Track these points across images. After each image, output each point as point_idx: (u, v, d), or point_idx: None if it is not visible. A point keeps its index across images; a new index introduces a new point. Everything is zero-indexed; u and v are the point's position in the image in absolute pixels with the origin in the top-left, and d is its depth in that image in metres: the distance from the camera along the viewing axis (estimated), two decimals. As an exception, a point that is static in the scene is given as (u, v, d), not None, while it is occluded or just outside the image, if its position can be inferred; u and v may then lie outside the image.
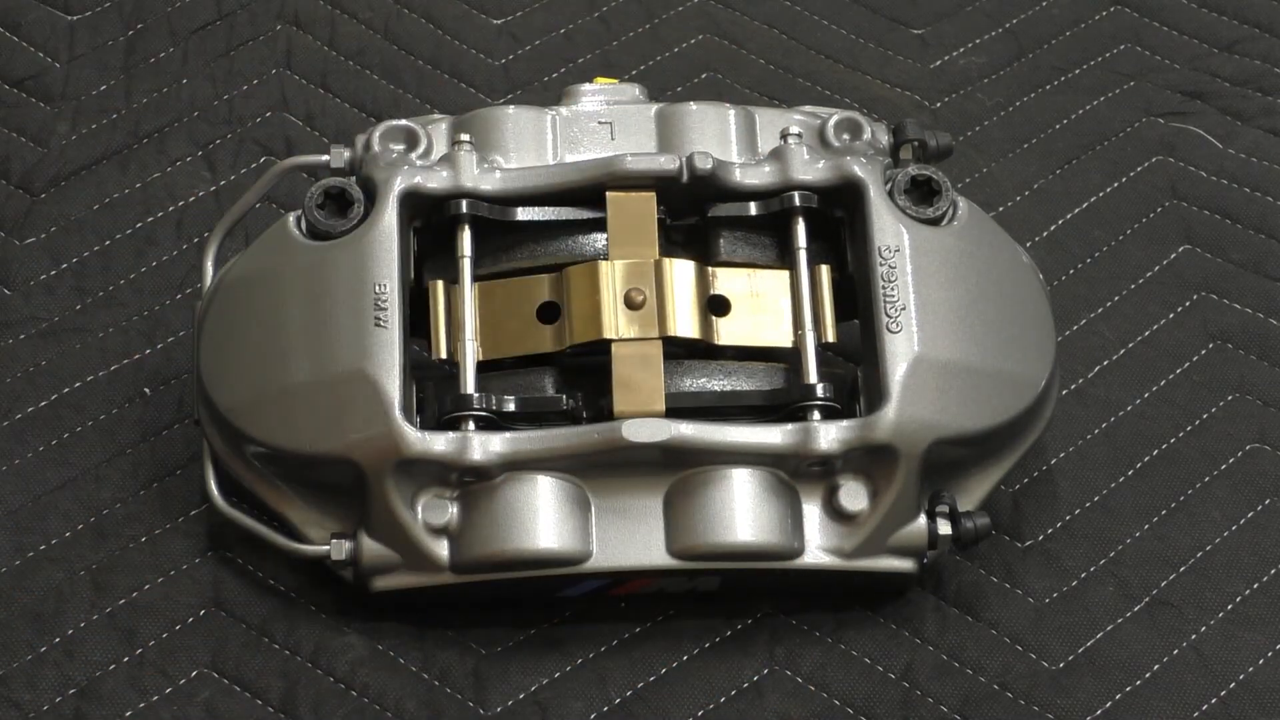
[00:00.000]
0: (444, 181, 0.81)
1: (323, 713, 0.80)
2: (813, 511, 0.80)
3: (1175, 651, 0.82)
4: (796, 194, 0.82)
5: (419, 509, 0.78)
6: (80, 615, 0.82)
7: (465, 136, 0.83)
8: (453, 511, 0.79)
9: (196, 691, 0.80)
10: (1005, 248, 0.84)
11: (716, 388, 0.81)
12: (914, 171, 0.83)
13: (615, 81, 0.89)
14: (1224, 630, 0.83)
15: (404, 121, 0.84)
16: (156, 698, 0.80)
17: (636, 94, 0.87)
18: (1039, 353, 0.82)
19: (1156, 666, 0.82)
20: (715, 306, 0.82)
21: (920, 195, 0.83)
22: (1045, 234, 0.95)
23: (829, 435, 0.78)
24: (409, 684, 0.81)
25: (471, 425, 0.78)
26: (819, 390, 0.79)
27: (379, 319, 0.78)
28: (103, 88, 0.99)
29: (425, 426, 0.78)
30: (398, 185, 0.81)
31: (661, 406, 0.78)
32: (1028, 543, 0.85)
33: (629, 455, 0.78)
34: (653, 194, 0.82)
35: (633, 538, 0.79)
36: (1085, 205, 0.96)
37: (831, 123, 0.85)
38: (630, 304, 0.80)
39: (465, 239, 0.81)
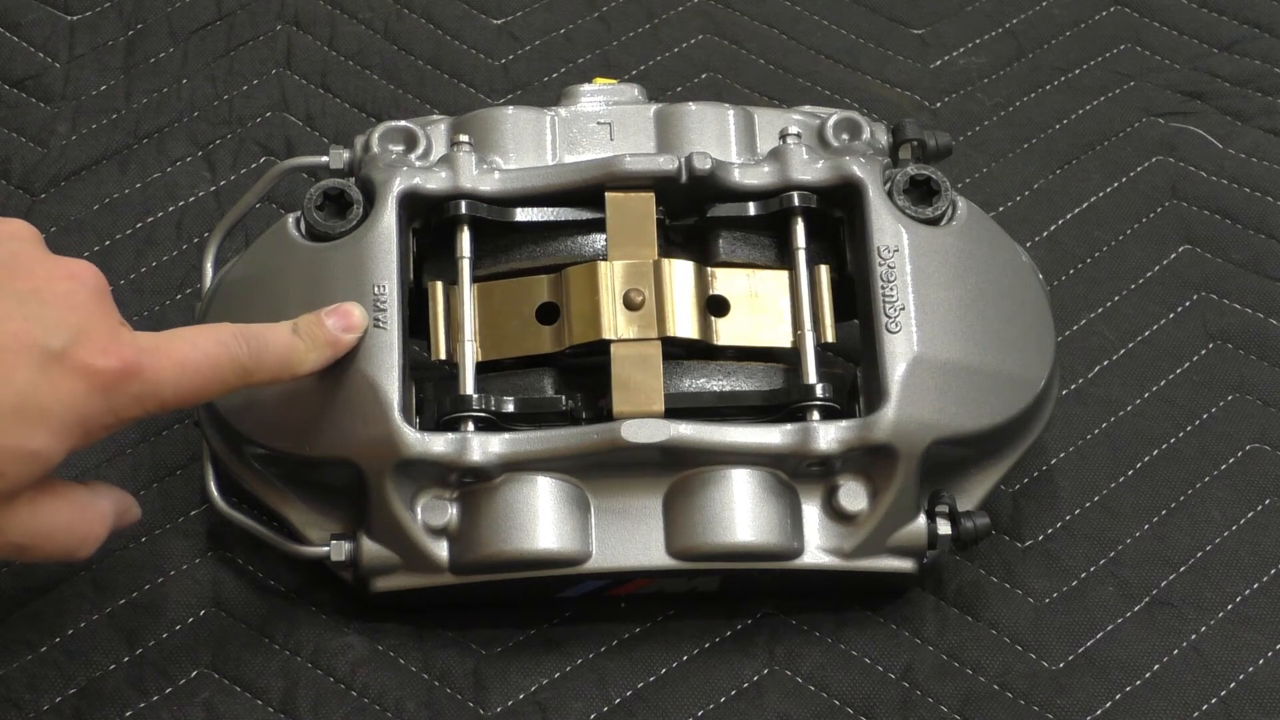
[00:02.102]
0: (443, 182, 0.81)
1: (323, 713, 0.80)
2: (812, 511, 0.80)
3: (1175, 651, 0.82)
4: (795, 194, 0.82)
5: (418, 510, 0.78)
6: (80, 615, 0.82)
7: (464, 137, 0.83)
8: (452, 512, 0.79)
9: (196, 691, 0.80)
10: (1005, 248, 0.84)
11: (716, 388, 0.81)
12: (913, 171, 0.83)
13: (615, 82, 0.89)
14: (1224, 630, 0.83)
15: (403, 122, 0.84)
16: (156, 698, 0.80)
17: (636, 94, 0.87)
18: (1039, 353, 0.82)
19: (1156, 666, 0.82)
20: (714, 307, 0.82)
21: (919, 195, 0.83)
22: (1045, 234, 0.95)
23: (828, 435, 0.78)
24: (409, 684, 0.81)
25: (471, 426, 0.78)
26: (818, 390, 0.79)
27: (378, 320, 0.78)
28: (103, 88, 0.99)
29: (425, 427, 0.78)
30: (397, 186, 0.81)
31: (661, 407, 0.78)
32: (1028, 543, 0.85)
33: (628, 456, 0.78)
34: (652, 194, 0.82)
35: (632, 538, 0.79)
36: (1085, 205, 0.96)
37: (830, 123, 0.85)
38: (629, 304, 0.80)
39: (464, 240, 0.81)
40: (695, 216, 0.83)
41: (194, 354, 0.71)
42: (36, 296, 0.69)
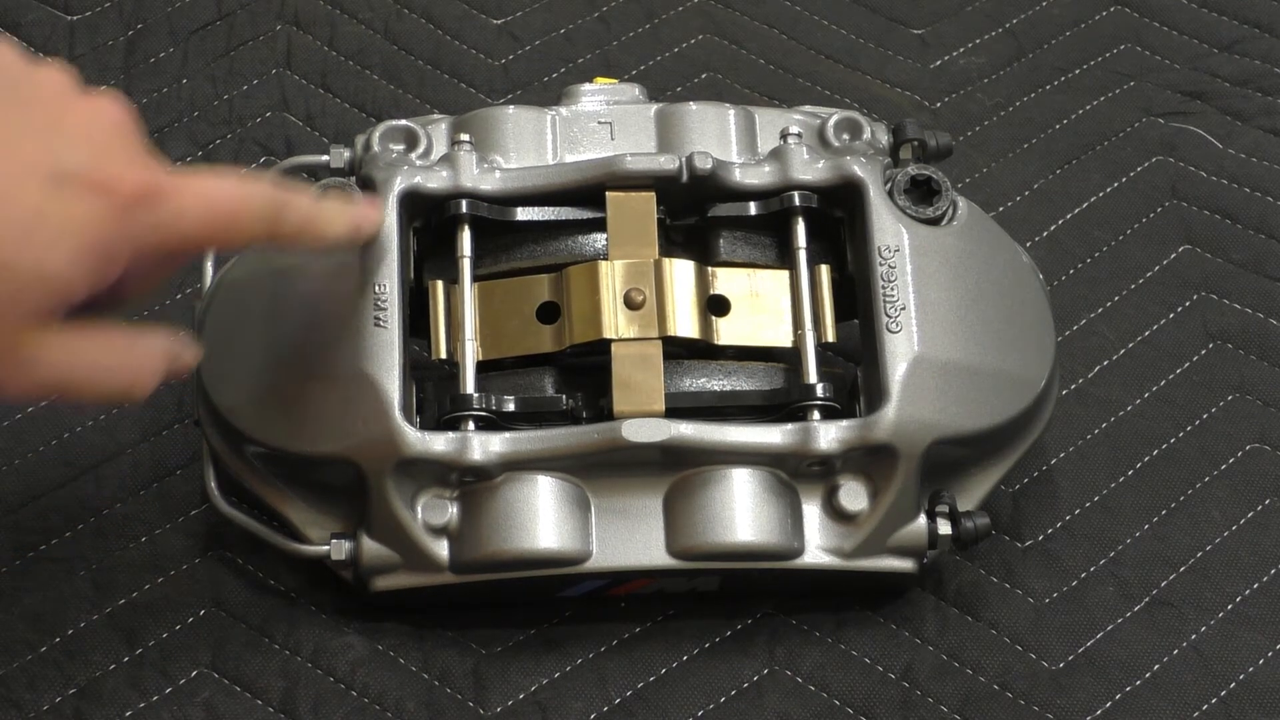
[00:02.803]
0: (444, 182, 0.81)
1: (323, 713, 0.80)
2: (813, 511, 0.80)
3: (1175, 651, 0.82)
4: (796, 194, 0.82)
5: (419, 509, 0.78)
6: (80, 615, 0.82)
7: (465, 136, 0.83)
8: (453, 511, 0.79)
9: (196, 691, 0.80)
10: (1005, 248, 0.84)
11: (716, 388, 0.80)
12: (914, 171, 0.83)
13: (615, 81, 0.89)
14: (1224, 630, 0.83)
15: (404, 121, 0.84)
16: (156, 698, 0.80)
17: (636, 94, 0.87)
18: (1039, 353, 0.82)
19: (1156, 666, 0.82)
20: (715, 306, 0.82)
21: (920, 195, 0.83)
22: (1045, 234, 0.95)
23: (829, 435, 0.78)
24: (409, 684, 0.81)
25: (471, 425, 0.78)
26: (819, 390, 0.79)
27: (379, 319, 0.78)
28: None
29: (425, 427, 0.78)
30: (397, 186, 0.81)
31: (661, 406, 0.78)
32: (1028, 543, 0.85)
33: (629, 455, 0.78)
34: (652, 194, 0.82)
35: (633, 538, 0.79)
36: (1085, 205, 0.96)
37: (831, 123, 0.85)
38: (630, 304, 0.80)
39: (465, 239, 0.81)
40: (696, 216, 0.83)
41: (220, 191, 0.69)
42: (57, 124, 0.66)
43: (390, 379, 0.77)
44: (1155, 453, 0.88)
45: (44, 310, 0.65)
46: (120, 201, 0.65)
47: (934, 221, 0.82)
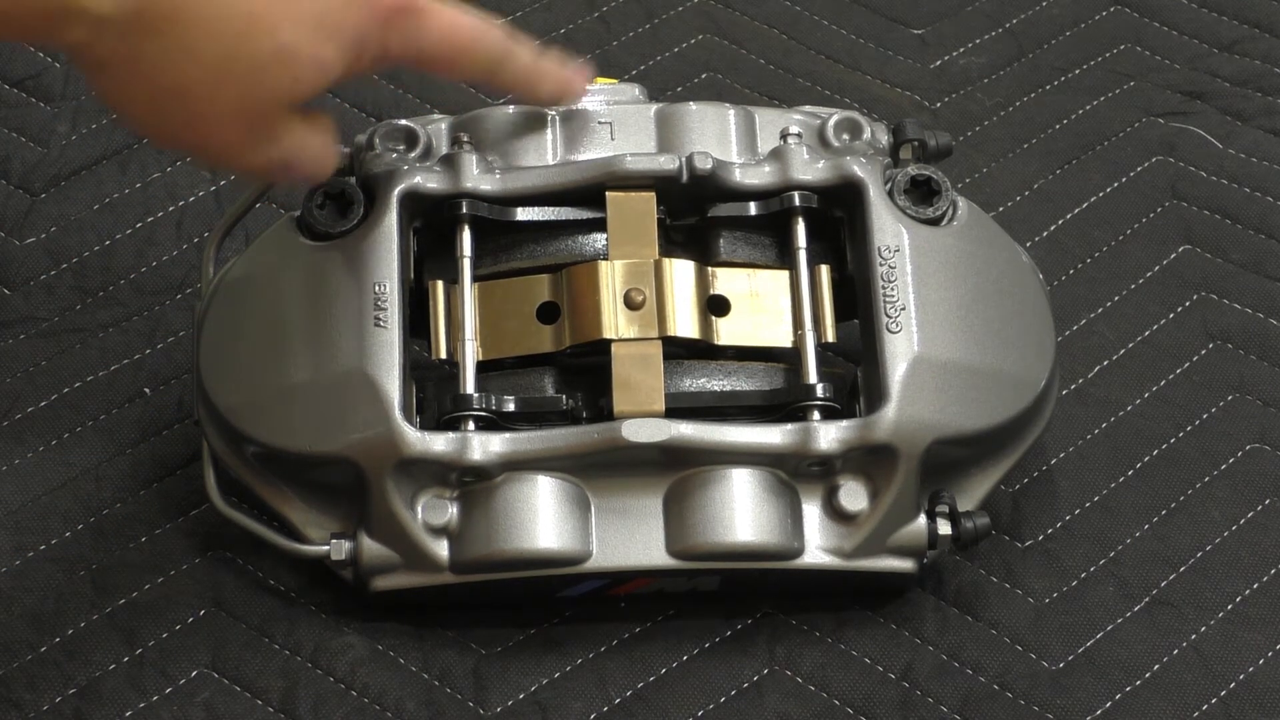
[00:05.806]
0: (444, 182, 0.81)
1: (323, 713, 0.80)
2: (813, 511, 0.80)
3: (1175, 651, 0.82)
4: (796, 194, 0.82)
5: (419, 509, 0.78)
6: (80, 615, 0.82)
7: (465, 136, 0.83)
8: (452, 511, 0.79)
9: (196, 691, 0.80)
10: (1005, 248, 0.84)
11: (716, 388, 0.81)
12: (914, 171, 0.83)
13: (615, 81, 0.89)
14: (1224, 630, 0.83)
15: (404, 121, 0.84)
16: (156, 698, 0.80)
17: (636, 94, 0.87)
18: (1039, 353, 0.82)
19: (1156, 666, 0.82)
20: (715, 306, 0.82)
21: (920, 195, 0.83)
22: (1045, 234, 0.95)
23: (829, 435, 0.78)
24: (409, 684, 0.81)
25: (471, 425, 0.78)
26: (819, 390, 0.79)
27: (379, 319, 0.78)
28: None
29: (425, 427, 0.78)
30: (398, 186, 0.81)
31: (661, 406, 0.78)
32: (1028, 543, 0.85)
33: (629, 455, 0.78)
34: (652, 194, 0.82)
35: (632, 538, 0.79)
36: (1085, 205, 0.96)
37: (831, 123, 0.85)
38: (630, 304, 0.80)
39: (465, 239, 0.81)
40: (696, 216, 0.83)
41: (463, 23, 0.77)
42: None
43: (390, 379, 0.77)
44: (1155, 453, 0.88)
45: (309, 93, 0.73)
46: (385, 13, 0.74)
47: (934, 222, 0.82)
